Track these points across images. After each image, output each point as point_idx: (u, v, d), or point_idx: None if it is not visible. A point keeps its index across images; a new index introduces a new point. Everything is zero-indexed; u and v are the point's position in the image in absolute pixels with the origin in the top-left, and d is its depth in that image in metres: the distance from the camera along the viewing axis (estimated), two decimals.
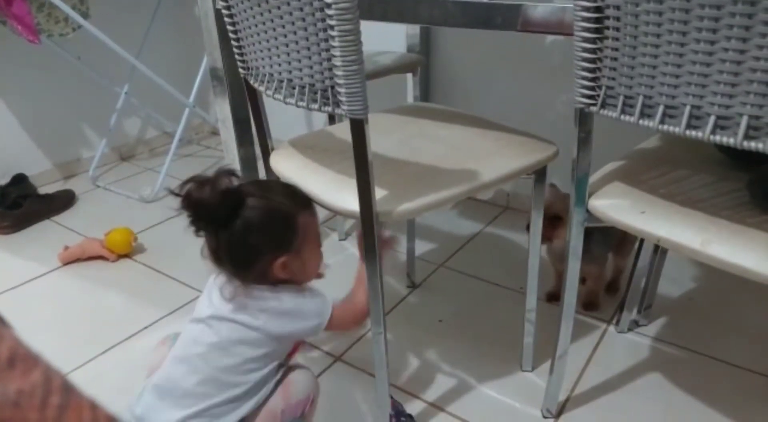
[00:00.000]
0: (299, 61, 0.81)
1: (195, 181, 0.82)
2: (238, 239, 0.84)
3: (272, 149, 1.13)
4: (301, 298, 0.90)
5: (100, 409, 0.35)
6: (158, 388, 0.88)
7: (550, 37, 1.67)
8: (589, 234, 1.28)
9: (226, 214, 0.83)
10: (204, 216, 0.83)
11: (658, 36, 0.65)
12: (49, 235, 1.85)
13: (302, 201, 0.91)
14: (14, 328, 0.39)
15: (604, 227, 1.27)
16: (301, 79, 0.82)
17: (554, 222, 1.23)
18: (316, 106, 0.82)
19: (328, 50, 0.75)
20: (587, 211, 0.88)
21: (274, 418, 0.90)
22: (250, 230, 0.84)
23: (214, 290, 0.90)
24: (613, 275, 1.46)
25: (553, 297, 1.43)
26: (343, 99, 0.76)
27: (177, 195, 0.81)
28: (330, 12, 0.70)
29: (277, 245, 0.87)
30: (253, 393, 0.88)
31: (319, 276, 0.96)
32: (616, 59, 0.72)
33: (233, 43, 0.98)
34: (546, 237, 1.25)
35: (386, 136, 1.09)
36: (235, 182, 0.85)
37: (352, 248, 1.72)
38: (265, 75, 0.91)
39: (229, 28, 0.97)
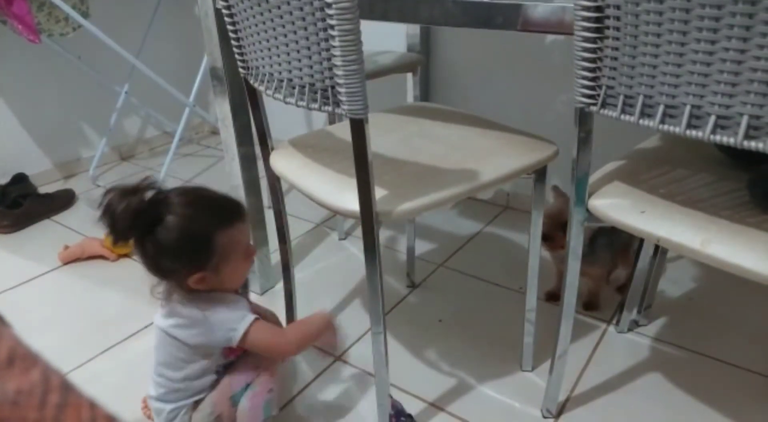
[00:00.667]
0: (299, 60, 0.80)
1: (116, 192, 0.83)
2: (152, 257, 0.87)
3: (272, 149, 1.13)
4: (215, 309, 0.90)
5: (98, 408, 0.35)
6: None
7: (550, 37, 1.67)
8: (594, 237, 1.29)
9: (137, 231, 0.85)
10: (118, 230, 0.84)
11: (659, 35, 0.65)
12: (49, 235, 1.85)
13: (229, 216, 0.90)
14: (13, 327, 0.39)
15: (609, 230, 1.28)
16: (301, 78, 0.82)
17: (566, 230, 1.22)
18: (316, 106, 0.82)
19: (328, 50, 0.75)
20: (587, 210, 0.88)
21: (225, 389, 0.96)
22: (162, 251, 0.86)
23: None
24: (625, 280, 1.44)
25: (553, 296, 1.43)
26: (343, 98, 0.76)
27: (95, 207, 0.83)
28: (330, 12, 0.70)
29: (192, 265, 0.88)
30: (191, 386, 0.95)
31: (241, 283, 0.98)
32: (616, 59, 0.71)
33: (233, 42, 0.98)
34: (560, 246, 1.25)
35: (386, 136, 1.09)
36: (157, 194, 0.85)
37: (352, 247, 1.72)
38: (265, 74, 0.91)
39: (229, 27, 0.97)
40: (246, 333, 0.90)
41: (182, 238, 0.85)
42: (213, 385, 0.97)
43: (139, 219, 0.82)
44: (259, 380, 0.97)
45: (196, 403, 0.96)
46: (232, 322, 0.90)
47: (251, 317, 0.91)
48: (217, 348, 0.94)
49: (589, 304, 1.39)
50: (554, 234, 1.23)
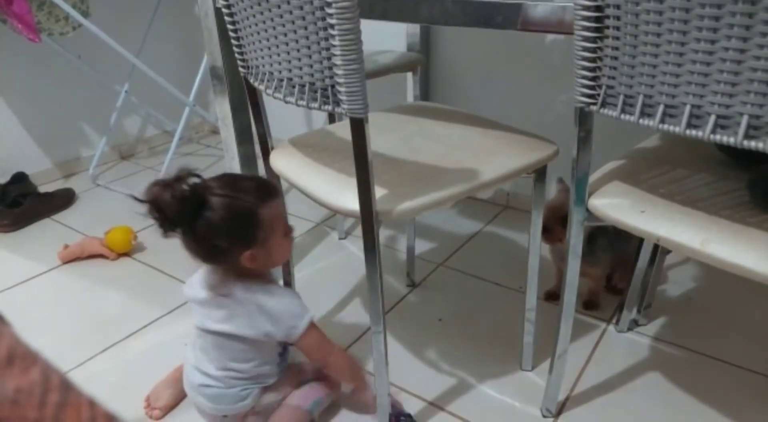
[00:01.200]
0: (299, 59, 0.80)
1: (158, 184, 0.85)
2: (203, 239, 0.89)
3: (272, 148, 1.13)
4: (273, 300, 0.95)
5: (98, 407, 0.35)
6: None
7: (550, 36, 1.67)
8: (593, 236, 1.29)
9: (187, 218, 0.87)
10: (168, 220, 0.87)
11: (659, 35, 0.65)
12: (48, 234, 1.85)
13: (266, 192, 0.94)
14: (13, 326, 0.39)
15: (611, 232, 1.28)
16: (301, 77, 0.82)
17: (566, 223, 1.23)
18: (316, 105, 0.82)
19: (328, 49, 0.75)
20: (587, 210, 0.88)
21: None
22: (213, 231, 0.88)
23: (200, 280, 0.99)
24: (622, 284, 1.44)
25: (552, 296, 1.43)
26: (343, 98, 0.76)
27: (141, 201, 0.85)
28: (330, 11, 0.70)
29: (243, 241, 0.91)
30: (262, 372, 1.01)
31: (284, 260, 1.05)
32: (616, 58, 0.71)
33: (233, 41, 0.98)
34: (558, 240, 1.25)
35: (386, 135, 1.09)
36: (196, 181, 0.88)
37: (352, 247, 1.72)
38: (265, 74, 0.91)
39: (229, 26, 0.97)
40: (304, 333, 0.95)
41: (230, 216, 0.88)
42: (281, 369, 1.05)
43: (185, 205, 0.85)
44: (321, 382, 1.07)
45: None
46: (293, 318, 0.95)
47: (309, 315, 0.96)
48: (277, 339, 0.98)
49: (589, 303, 1.40)
50: (553, 226, 1.23)
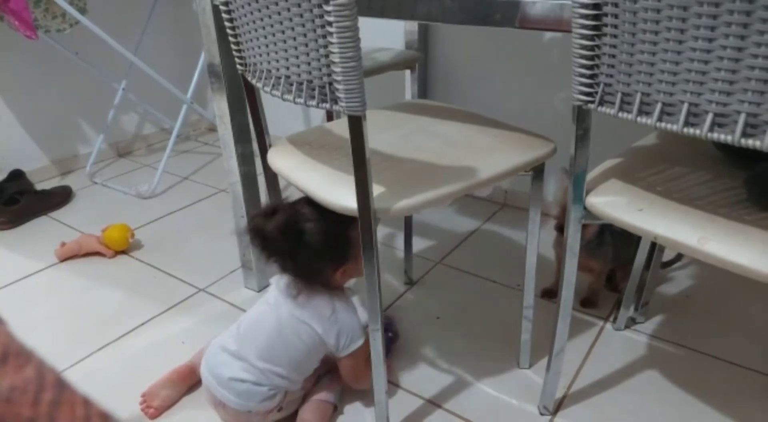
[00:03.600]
0: (297, 57, 0.80)
1: (259, 216, 0.95)
2: (305, 263, 0.98)
3: (270, 146, 1.13)
4: (351, 315, 1.03)
5: (93, 405, 0.35)
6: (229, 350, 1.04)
7: (548, 34, 1.67)
8: (602, 230, 1.28)
9: (288, 248, 0.95)
10: (270, 250, 0.96)
11: (656, 33, 0.65)
12: (46, 231, 1.85)
13: (344, 214, 0.96)
14: (8, 324, 0.39)
15: (620, 230, 1.29)
16: (299, 75, 0.82)
17: None
18: (313, 103, 0.82)
19: (326, 47, 0.74)
20: (585, 208, 0.88)
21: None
22: (314, 255, 0.97)
23: (277, 288, 1.06)
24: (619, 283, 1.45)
25: (549, 293, 1.43)
26: (341, 95, 0.76)
27: (251, 229, 0.95)
28: (328, 8, 0.70)
29: (338, 260, 1.00)
30: (297, 380, 1.05)
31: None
32: (614, 56, 0.71)
33: (231, 39, 0.98)
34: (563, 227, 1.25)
35: (384, 133, 1.09)
36: (288, 210, 0.96)
37: None
38: (263, 71, 0.91)
39: (227, 24, 0.97)
40: (352, 353, 1.03)
41: (327, 239, 0.96)
42: (309, 379, 1.09)
43: (287, 234, 0.93)
44: (335, 373, 1.12)
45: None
46: (351, 335, 1.02)
47: (363, 340, 1.03)
48: (328, 348, 1.03)
49: (587, 301, 1.40)
50: None
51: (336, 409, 1.11)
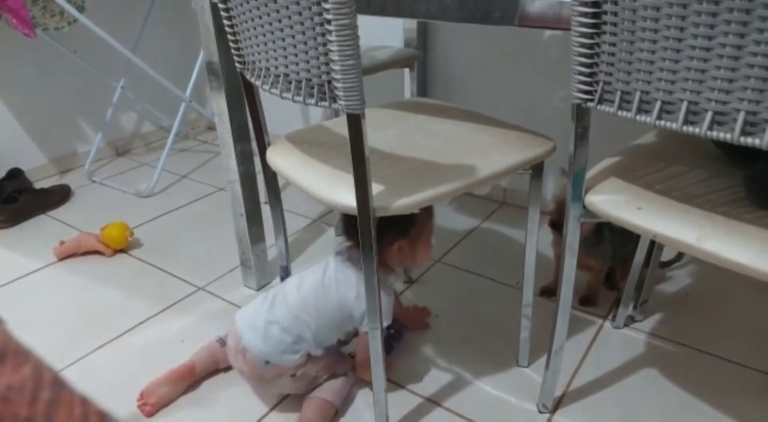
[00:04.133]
0: (296, 55, 0.80)
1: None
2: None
3: (269, 144, 1.13)
4: (388, 296, 1.06)
5: (91, 404, 0.35)
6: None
7: (547, 32, 1.67)
8: (601, 228, 1.28)
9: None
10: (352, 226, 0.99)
11: (656, 31, 0.65)
12: (44, 230, 1.85)
13: None
14: (6, 323, 0.38)
15: (619, 228, 1.29)
16: (298, 73, 0.82)
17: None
18: (312, 101, 0.82)
19: (325, 45, 0.74)
20: (584, 206, 0.88)
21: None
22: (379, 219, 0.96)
23: (334, 252, 1.13)
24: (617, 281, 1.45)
25: (548, 292, 1.43)
26: (340, 94, 0.76)
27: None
28: (327, 6, 0.70)
29: (399, 231, 1.04)
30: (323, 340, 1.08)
31: (418, 265, 1.18)
32: (613, 54, 0.71)
33: (229, 37, 0.98)
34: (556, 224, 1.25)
35: (383, 131, 1.09)
36: None
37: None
38: (262, 69, 0.91)
39: (226, 22, 0.96)
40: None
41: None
42: (332, 351, 1.13)
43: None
44: (349, 377, 1.15)
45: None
46: (388, 310, 1.06)
47: (388, 321, 1.05)
48: (354, 320, 1.07)
49: (586, 299, 1.40)
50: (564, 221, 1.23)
51: (337, 413, 1.11)
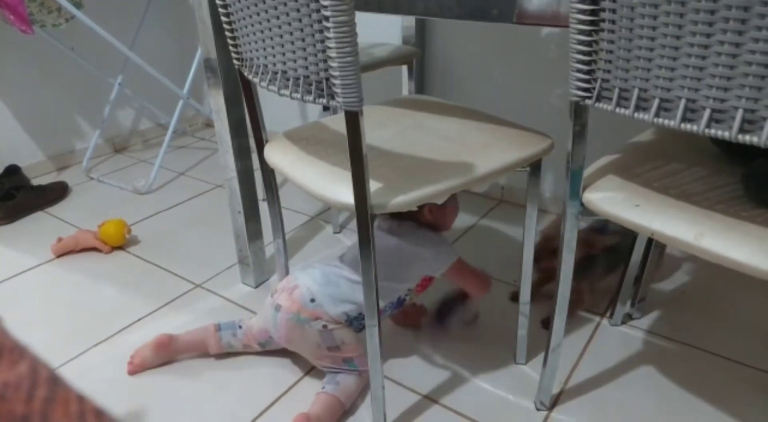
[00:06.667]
0: (294, 52, 0.80)
1: None
2: None
3: (266, 141, 1.12)
4: (437, 237, 1.13)
5: (87, 402, 0.35)
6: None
7: (545, 30, 1.67)
8: (594, 258, 1.27)
9: None
10: None
11: (654, 29, 0.65)
12: (42, 227, 1.84)
13: None
14: (2, 320, 0.38)
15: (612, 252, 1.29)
16: (296, 70, 0.82)
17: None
18: (310, 98, 0.82)
19: (323, 42, 0.74)
20: (581, 204, 0.88)
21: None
22: None
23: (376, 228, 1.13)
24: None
25: (518, 297, 1.41)
26: (338, 91, 0.76)
27: None
28: (325, 3, 0.70)
29: None
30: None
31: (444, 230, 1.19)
32: (611, 52, 0.71)
33: (227, 34, 0.98)
34: (547, 269, 1.28)
35: (381, 129, 1.09)
36: None
37: (347, 240, 1.72)
38: (260, 66, 0.91)
39: (224, 19, 0.96)
40: (452, 266, 1.13)
41: None
42: (389, 314, 1.17)
43: None
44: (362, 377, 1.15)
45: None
46: (448, 253, 1.13)
47: (456, 256, 1.14)
48: (427, 268, 1.14)
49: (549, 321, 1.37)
50: (542, 256, 1.25)
51: (345, 413, 1.10)
